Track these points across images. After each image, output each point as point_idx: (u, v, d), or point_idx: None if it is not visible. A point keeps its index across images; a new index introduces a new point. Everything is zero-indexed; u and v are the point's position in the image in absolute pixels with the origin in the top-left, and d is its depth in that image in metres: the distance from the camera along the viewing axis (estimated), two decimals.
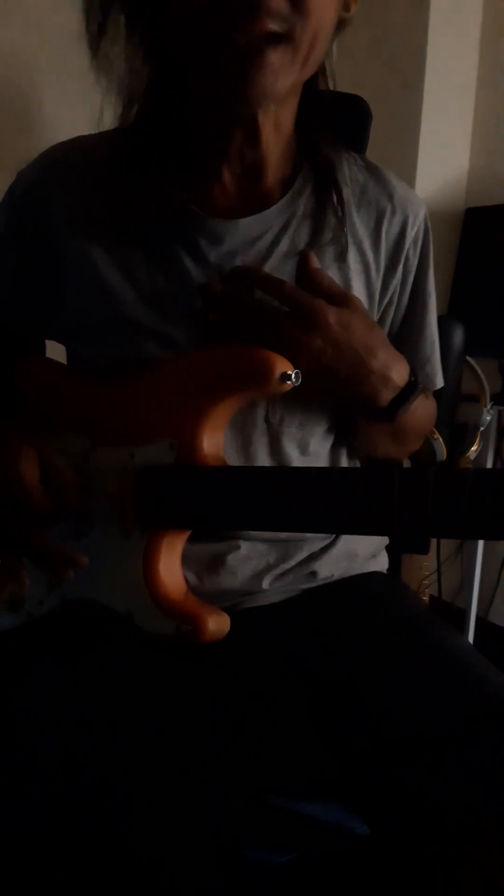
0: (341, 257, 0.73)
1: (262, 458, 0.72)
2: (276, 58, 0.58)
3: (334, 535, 0.78)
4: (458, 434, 1.65)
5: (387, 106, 1.74)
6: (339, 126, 0.75)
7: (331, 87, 0.73)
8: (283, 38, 0.58)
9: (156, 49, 0.66)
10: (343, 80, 2.03)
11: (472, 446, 1.63)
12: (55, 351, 0.82)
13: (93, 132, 0.76)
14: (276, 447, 0.72)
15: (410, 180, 1.76)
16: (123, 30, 0.66)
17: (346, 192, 0.74)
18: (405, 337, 0.79)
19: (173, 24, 0.60)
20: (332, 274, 0.72)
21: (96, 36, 0.66)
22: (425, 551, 1.16)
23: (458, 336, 1.11)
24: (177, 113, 0.68)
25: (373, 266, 0.75)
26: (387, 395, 0.69)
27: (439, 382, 0.84)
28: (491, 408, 1.68)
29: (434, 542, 1.89)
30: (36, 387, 0.77)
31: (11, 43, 1.33)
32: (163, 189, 0.68)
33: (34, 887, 0.53)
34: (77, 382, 0.75)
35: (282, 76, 0.60)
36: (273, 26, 0.56)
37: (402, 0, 1.72)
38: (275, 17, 0.56)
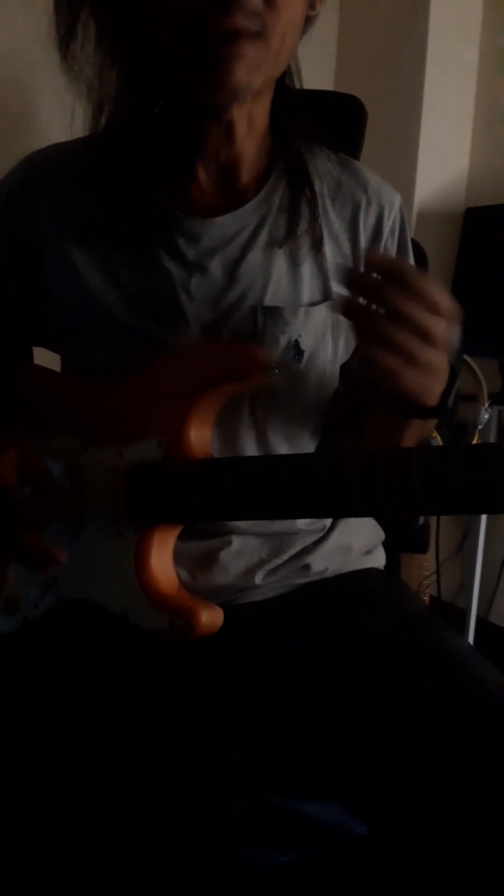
0: (317, 248, 0.74)
1: (249, 451, 0.73)
2: (250, 50, 0.59)
3: (327, 529, 0.78)
4: (457, 433, 1.66)
5: (387, 106, 1.74)
6: (334, 126, 0.76)
7: (297, 84, 0.74)
8: (256, 34, 0.59)
9: (126, 51, 0.66)
10: (344, 81, 2.04)
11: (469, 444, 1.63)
12: (48, 360, 0.82)
13: (65, 141, 0.76)
14: (262, 441, 0.73)
15: (410, 180, 1.76)
16: (93, 33, 0.66)
17: (320, 186, 0.74)
18: None
19: (146, 22, 0.61)
20: (310, 266, 0.73)
21: (65, 39, 0.67)
22: (424, 550, 1.16)
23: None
24: (150, 114, 0.69)
25: (351, 259, 0.76)
26: (439, 388, 0.63)
27: None
28: (489, 407, 1.68)
29: (433, 541, 1.89)
30: (29, 390, 0.78)
31: (9, 43, 1.33)
32: (141, 190, 0.69)
33: (34, 887, 0.53)
34: (67, 385, 0.76)
35: (256, 69, 0.61)
36: (246, 22, 0.58)
37: (402, 1, 1.72)
38: (248, 14, 0.58)
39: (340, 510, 0.59)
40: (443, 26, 1.69)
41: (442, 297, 0.56)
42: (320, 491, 0.58)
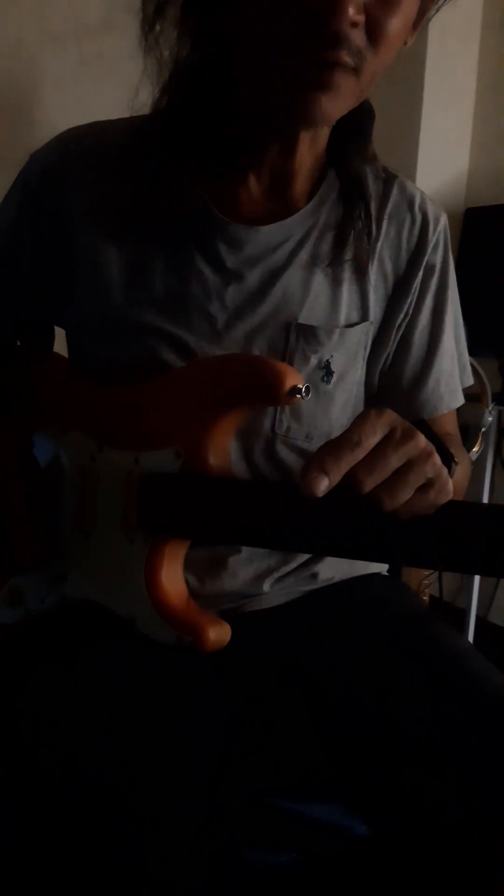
0: (361, 272, 0.72)
1: (264, 467, 0.71)
2: (342, 81, 0.58)
3: None
4: (459, 435, 1.65)
5: (387, 106, 1.74)
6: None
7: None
8: (352, 71, 0.58)
9: (210, 41, 0.63)
10: None
11: (473, 447, 1.62)
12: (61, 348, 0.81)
13: (108, 121, 0.73)
14: (278, 458, 0.71)
15: (411, 180, 1.75)
16: (177, 13, 0.63)
17: (372, 207, 0.72)
18: (419, 353, 0.77)
19: (242, 33, 0.59)
20: (350, 285, 0.71)
21: (151, 18, 0.64)
22: None
23: None
24: (215, 112, 0.66)
25: (392, 273, 0.74)
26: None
27: (459, 400, 0.80)
28: (492, 408, 1.67)
29: None
30: (45, 382, 0.76)
31: (12, 38, 1.33)
32: (184, 188, 0.66)
33: (34, 887, 0.53)
34: (86, 381, 0.73)
35: (341, 102, 0.59)
36: (348, 58, 0.56)
37: None
38: (352, 51, 0.56)
39: (352, 554, 0.57)
40: (443, 26, 1.69)
41: (419, 443, 0.51)
42: (336, 530, 0.55)
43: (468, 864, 0.54)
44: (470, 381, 0.82)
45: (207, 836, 0.57)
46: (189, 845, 0.55)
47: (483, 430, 1.64)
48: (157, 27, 0.64)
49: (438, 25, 1.69)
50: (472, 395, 1.69)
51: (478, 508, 0.52)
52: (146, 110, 0.70)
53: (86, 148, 0.70)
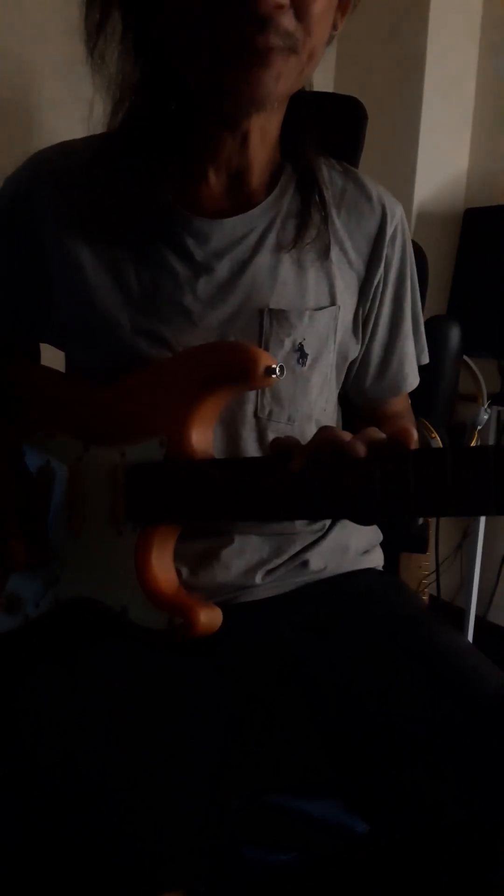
0: (325, 255, 0.75)
1: (252, 452, 0.73)
2: (279, 61, 0.60)
3: (325, 529, 0.79)
4: (456, 433, 1.66)
5: (386, 107, 1.74)
6: (334, 127, 0.76)
7: (306, 87, 0.74)
8: (287, 51, 0.60)
9: (150, 51, 0.66)
10: (344, 81, 2.04)
11: (470, 444, 1.63)
12: (53, 356, 0.82)
13: (88, 132, 0.76)
14: (264, 442, 0.73)
15: (410, 180, 1.76)
16: (119, 31, 0.67)
17: (326, 194, 0.76)
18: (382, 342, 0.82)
19: (176, 29, 0.61)
20: (316, 271, 0.74)
21: (93, 34, 0.67)
22: (424, 549, 1.16)
23: (456, 336, 1.12)
24: (166, 116, 0.69)
25: (355, 263, 0.77)
26: None
27: (416, 379, 0.86)
28: (488, 407, 1.68)
29: (433, 541, 1.89)
30: (32, 390, 0.78)
31: (10, 43, 1.33)
32: (149, 189, 0.69)
33: (34, 887, 0.53)
34: (69, 385, 0.76)
35: (283, 81, 0.61)
36: (279, 41, 0.59)
37: (402, 1, 1.72)
38: (281, 34, 0.59)
39: (338, 512, 0.59)
40: (442, 27, 1.69)
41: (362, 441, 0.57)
42: (318, 493, 0.58)
43: (468, 864, 0.54)
44: (426, 359, 0.87)
45: (207, 836, 0.57)
46: (189, 845, 0.55)
47: (479, 428, 1.66)
48: (101, 44, 0.67)
49: (439, 26, 1.69)
50: (468, 395, 1.71)
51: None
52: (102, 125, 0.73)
53: (55, 167, 0.74)
